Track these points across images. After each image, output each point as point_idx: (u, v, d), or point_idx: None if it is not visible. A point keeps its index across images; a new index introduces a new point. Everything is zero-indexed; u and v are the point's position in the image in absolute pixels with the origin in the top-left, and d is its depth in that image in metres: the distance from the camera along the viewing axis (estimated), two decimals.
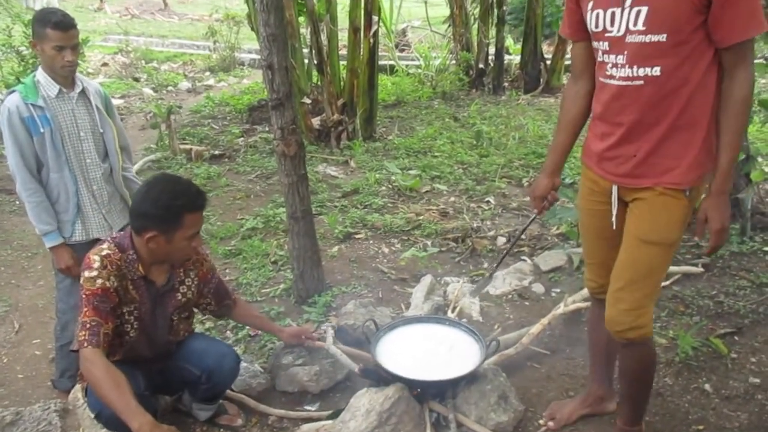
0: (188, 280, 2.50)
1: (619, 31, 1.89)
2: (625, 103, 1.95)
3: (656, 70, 1.86)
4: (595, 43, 2.02)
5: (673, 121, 1.91)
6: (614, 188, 2.09)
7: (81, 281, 2.23)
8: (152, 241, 2.26)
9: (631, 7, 1.84)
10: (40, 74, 2.66)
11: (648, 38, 1.84)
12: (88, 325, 2.17)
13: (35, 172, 2.68)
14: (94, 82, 2.90)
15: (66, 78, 2.67)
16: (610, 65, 1.96)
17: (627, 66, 1.90)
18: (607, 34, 1.93)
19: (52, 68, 2.63)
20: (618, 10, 1.88)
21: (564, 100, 2.26)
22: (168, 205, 2.22)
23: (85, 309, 2.19)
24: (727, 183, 1.92)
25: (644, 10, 1.82)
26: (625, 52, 1.90)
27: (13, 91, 2.65)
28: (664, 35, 1.82)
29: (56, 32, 2.56)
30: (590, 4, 1.96)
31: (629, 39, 1.87)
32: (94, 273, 2.21)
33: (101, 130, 2.79)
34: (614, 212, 2.12)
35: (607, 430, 2.53)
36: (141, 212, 2.26)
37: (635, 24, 1.85)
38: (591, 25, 1.98)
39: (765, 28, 1.76)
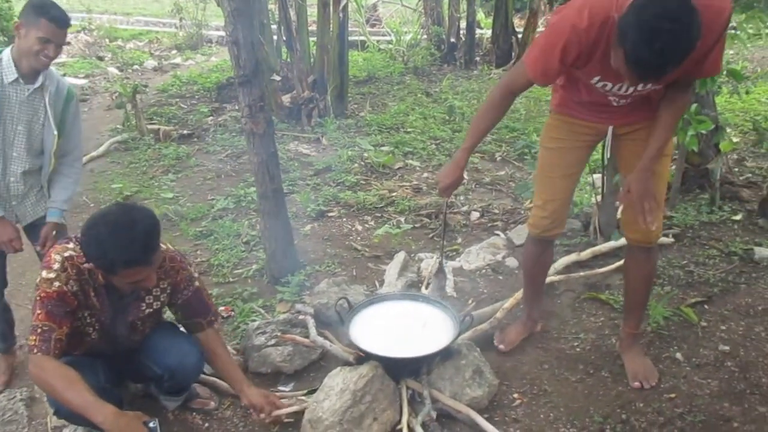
0: (157, 290, 2.32)
1: (627, 91, 2.22)
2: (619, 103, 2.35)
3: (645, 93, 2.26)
4: (589, 79, 2.25)
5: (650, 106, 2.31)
6: (611, 128, 2.44)
7: (38, 281, 2.11)
8: (96, 269, 2.13)
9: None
10: (6, 55, 2.51)
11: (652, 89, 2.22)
12: (39, 330, 2.06)
13: None
14: (66, 82, 2.72)
15: (33, 70, 2.52)
16: (610, 96, 2.29)
17: (628, 99, 2.29)
18: (613, 90, 2.23)
19: (27, 56, 2.48)
20: (625, 84, 2.17)
21: (498, 107, 2.42)
22: (100, 256, 2.03)
23: (38, 312, 2.07)
24: (653, 163, 2.28)
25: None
26: (630, 98, 2.27)
27: None
28: (663, 87, 2.22)
29: (51, 26, 2.45)
30: (596, 78, 2.20)
31: (632, 95, 2.25)
32: (52, 275, 2.09)
33: (42, 133, 2.63)
34: (608, 144, 2.53)
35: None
36: (82, 243, 2.08)
37: (644, 87, 2.18)
38: (595, 85, 2.24)
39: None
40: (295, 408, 2.49)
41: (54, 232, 2.72)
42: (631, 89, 2.19)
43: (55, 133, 2.65)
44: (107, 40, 10.86)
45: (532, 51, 2.23)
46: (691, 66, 2.03)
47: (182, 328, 2.54)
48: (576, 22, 2.04)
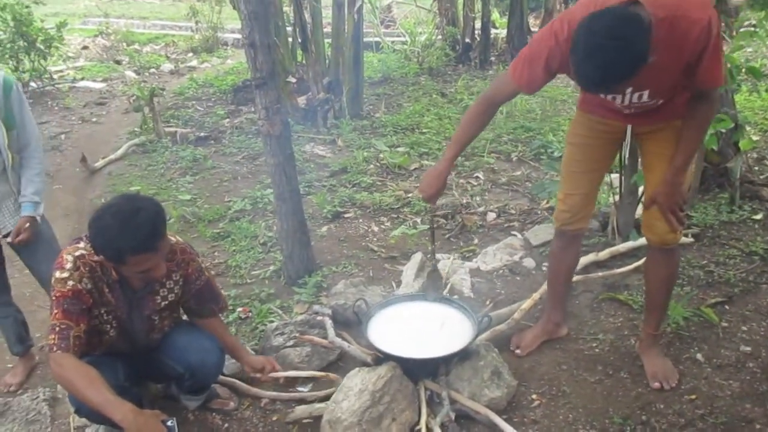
0: (170, 282, 2.36)
1: (621, 104, 2.27)
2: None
3: (654, 105, 2.28)
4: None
5: (670, 109, 2.31)
6: (629, 126, 2.49)
7: (52, 281, 2.15)
8: (105, 262, 2.16)
9: (632, 92, 2.17)
10: None
11: (649, 102, 2.23)
12: (57, 329, 2.09)
13: None
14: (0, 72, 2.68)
15: None
16: (616, 102, 2.30)
17: (631, 109, 2.32)
18: (608, 99, 2.29)
19: None
20: (619, 96, 2.22)
21: (481, 118, 2.47)
22: (107, 246, 2.06)
23: (56, 311, 2.11)
24: (680, 176, 2.29)
25: (645, 92, 2.16)
26: (633, 108, 2.29)
27: None
28: (661, 101, 2.24)
29: None
30: None
31: (633, 105, 2.26)
32: (66, 274, 2.12)
33: None
34: (627, 143, 2.60)
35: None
36: (90, 235, 2.11)
37: (639, 100, 2.20)
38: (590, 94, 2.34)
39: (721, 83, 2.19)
40: (293, 373, 2.67)
41: (27, 225, 2.71)
42: (627, 101, 2.22)
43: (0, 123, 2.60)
44: (124, 44, 10.96)
45: (518, 61, 2.29)
46: (679, 77, 2.10)
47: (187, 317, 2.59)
48: (558, 32, 2.12)
